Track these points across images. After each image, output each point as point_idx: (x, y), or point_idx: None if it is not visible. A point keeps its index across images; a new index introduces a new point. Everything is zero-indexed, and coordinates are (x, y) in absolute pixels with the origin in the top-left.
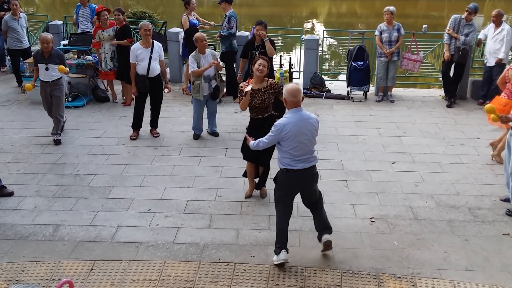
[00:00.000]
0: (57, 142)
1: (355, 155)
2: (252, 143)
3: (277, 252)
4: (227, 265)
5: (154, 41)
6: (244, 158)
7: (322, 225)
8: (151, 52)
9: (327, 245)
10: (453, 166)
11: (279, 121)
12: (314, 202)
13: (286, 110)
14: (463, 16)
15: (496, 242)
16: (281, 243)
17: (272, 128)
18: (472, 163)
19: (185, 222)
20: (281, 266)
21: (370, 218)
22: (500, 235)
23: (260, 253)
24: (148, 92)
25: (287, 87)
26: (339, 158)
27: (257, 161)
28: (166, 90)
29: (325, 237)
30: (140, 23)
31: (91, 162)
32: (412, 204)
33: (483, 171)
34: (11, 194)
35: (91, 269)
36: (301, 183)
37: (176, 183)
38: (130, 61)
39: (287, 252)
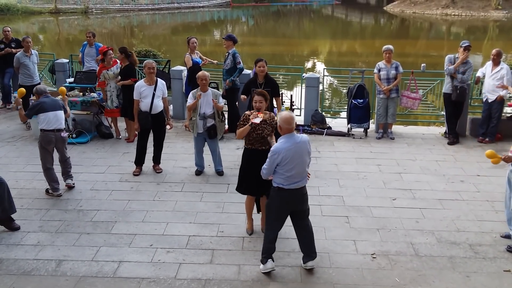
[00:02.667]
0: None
1: (356, 192)
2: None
3: (263, 261)
4: None
5: (158, 78)
6: (243, 193)
7: (307, 250)
8: (155, 90)
9: (309, 270)
10: (454, 203)
11: (273, 147)
12: (304, 217)
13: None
14: (457, 55)
15: (497, 279)
16: (267, 253)
17: (269, 154)
18: (472, 199)
19: (187, 258)
20: (268, 274)
21: (372, 254)
22: (501, 272)
23: None
24: (151, 128)
25: (282, 116)
26: (340, 194)
27: (257, 192)
28: (168, 126)
29: (309, 264)
30: (145, 61)
31: (94, 198)
32: (413, 241)
33: (483, 207)
34: (17, 228)
35: None
36: (291, 202)
37: (178, 219)
38: (134, 98)
39: (273, 261)
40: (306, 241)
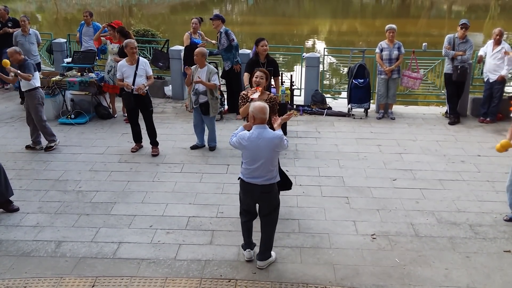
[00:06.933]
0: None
1: (356, 172)
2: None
3: (243, 248)
4: (229, 281)
5: (140, 57)
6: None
7: (262, 247)
8: (136, 69)
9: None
10: (454, 183)
11: (242, 133)
12: (265, 216)
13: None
14: (457, 34)
15: (497, 259)
16: (244, 242)
17: (238, 132)
18: (472, 180)
19: (187, 239)
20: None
21: (372, 235)
22: (501, 252)
23: (261, 270)
24: (136, 108)
25: (255, 105)
26: (340, 175)
27: None
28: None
29: (258, 263)
30: (125, 41)
31: (93, 179)
32: (413, 221)
33: (483, 188)
34: (16, 210)
35: (93, 286)
36: (249, 195)
37: (177, 200)
38: (117, 77)
39: (251, 249)
40: (261, 239)
